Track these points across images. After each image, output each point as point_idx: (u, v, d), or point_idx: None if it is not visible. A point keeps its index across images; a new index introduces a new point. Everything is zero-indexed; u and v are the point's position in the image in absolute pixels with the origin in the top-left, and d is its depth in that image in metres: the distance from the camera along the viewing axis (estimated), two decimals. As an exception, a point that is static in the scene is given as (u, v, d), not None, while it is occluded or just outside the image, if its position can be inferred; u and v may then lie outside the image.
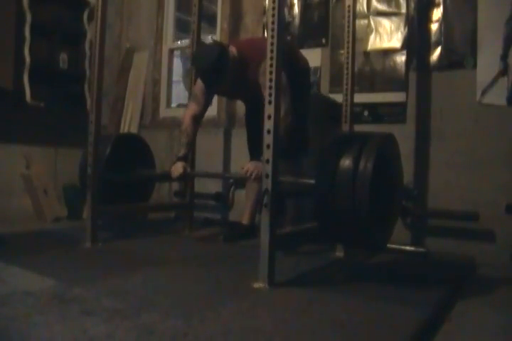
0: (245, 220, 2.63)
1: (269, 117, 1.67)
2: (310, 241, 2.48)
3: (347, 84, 2.34)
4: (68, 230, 2.90)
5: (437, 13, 2.53)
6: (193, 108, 2.45)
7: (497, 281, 2.05)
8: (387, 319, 1.39)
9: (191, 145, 2.57)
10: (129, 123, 3.79)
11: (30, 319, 1.28)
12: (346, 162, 1.69)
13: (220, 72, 2.17)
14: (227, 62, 2.17)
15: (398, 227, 2.11)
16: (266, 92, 1.91)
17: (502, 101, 2.33)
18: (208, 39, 3.44)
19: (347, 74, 2.34)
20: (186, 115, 2.46)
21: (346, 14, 2.37)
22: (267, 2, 2.68)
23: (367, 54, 2.73)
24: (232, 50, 2.25)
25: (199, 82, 2.39)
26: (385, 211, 1.82)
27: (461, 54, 2.45)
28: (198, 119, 2.47)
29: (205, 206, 3.20)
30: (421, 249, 2.35)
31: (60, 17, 3.55)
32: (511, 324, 1.54)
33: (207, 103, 2.48)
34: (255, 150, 2.49)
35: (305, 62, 2.51)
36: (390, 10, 2.68)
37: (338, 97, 2.49)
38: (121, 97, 3.86)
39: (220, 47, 2.20)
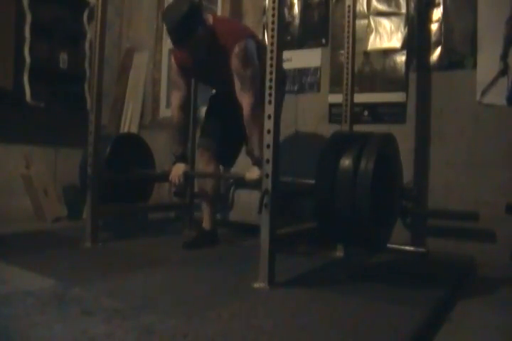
0: (206, 225, 2.50)
1: (269, 117, 1.67)
2: (310, 241, 2.48)
3: (347, 84, 2.34)
4: (68, 230, 2.90)
5: (437, 13, 2.53)
6: (177, 95, 2.42)
7: (497, 281, 2.05)
8: (387, 319, 1.39)
9: (186, 140, 2.55)
10: (129, 123, 3.79)
11: (30, 319, 1.28)
12: (346, 162, 1.69)
13: (188, 27, 2.05)
14: (198, 18, 2.08)
15: (398, 227, 2.11)
16: (244, 82, 2.00)
17: (502, 101, 2.33)
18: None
19: (347, 74, 2.34)
20: (173, 107, 2.44)
21: (346, 14, 2.37)
22: (267, 2, 2.68)
23: (367, 54, 2.73)
24: (209, 18, 2.19)
25: (174, 65, 2.37)
26: (385, 211, 1.82)
27: (461, 54, 2.45)
28: (185, 109, 2.45)
29: (205, 206, 3.19)
30: (421, 249, 2.35)
31: (60, 17, 3.55)
32: (511, 324, 1.54)
33: (188, 85, 2.44)
34: (226, 154, 2.47)
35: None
36: (390, 10, 2.68)
37: (338, 97, 2.49)
38: (121, 97, 3.86)
39: (191, 3, 2.07)
